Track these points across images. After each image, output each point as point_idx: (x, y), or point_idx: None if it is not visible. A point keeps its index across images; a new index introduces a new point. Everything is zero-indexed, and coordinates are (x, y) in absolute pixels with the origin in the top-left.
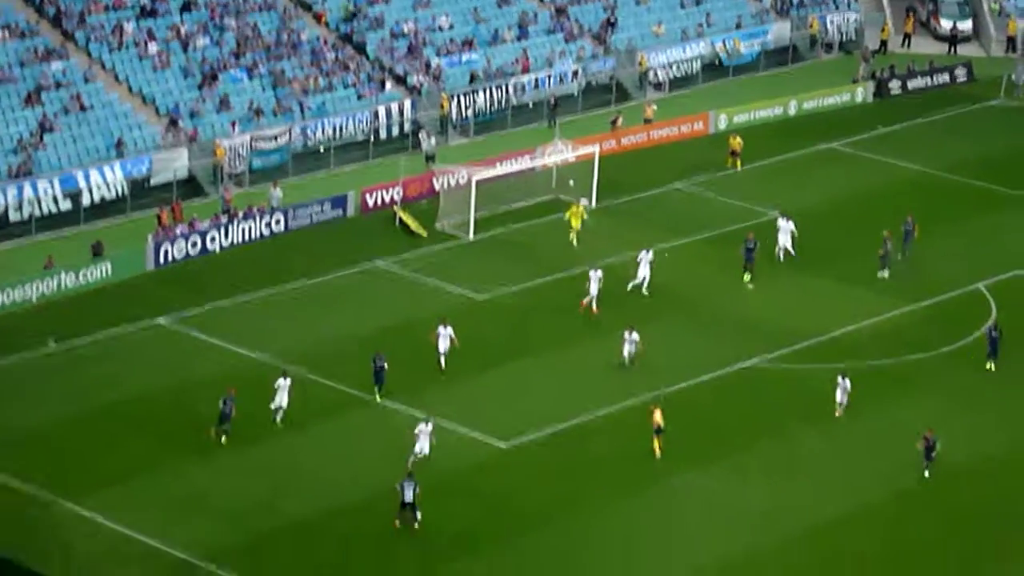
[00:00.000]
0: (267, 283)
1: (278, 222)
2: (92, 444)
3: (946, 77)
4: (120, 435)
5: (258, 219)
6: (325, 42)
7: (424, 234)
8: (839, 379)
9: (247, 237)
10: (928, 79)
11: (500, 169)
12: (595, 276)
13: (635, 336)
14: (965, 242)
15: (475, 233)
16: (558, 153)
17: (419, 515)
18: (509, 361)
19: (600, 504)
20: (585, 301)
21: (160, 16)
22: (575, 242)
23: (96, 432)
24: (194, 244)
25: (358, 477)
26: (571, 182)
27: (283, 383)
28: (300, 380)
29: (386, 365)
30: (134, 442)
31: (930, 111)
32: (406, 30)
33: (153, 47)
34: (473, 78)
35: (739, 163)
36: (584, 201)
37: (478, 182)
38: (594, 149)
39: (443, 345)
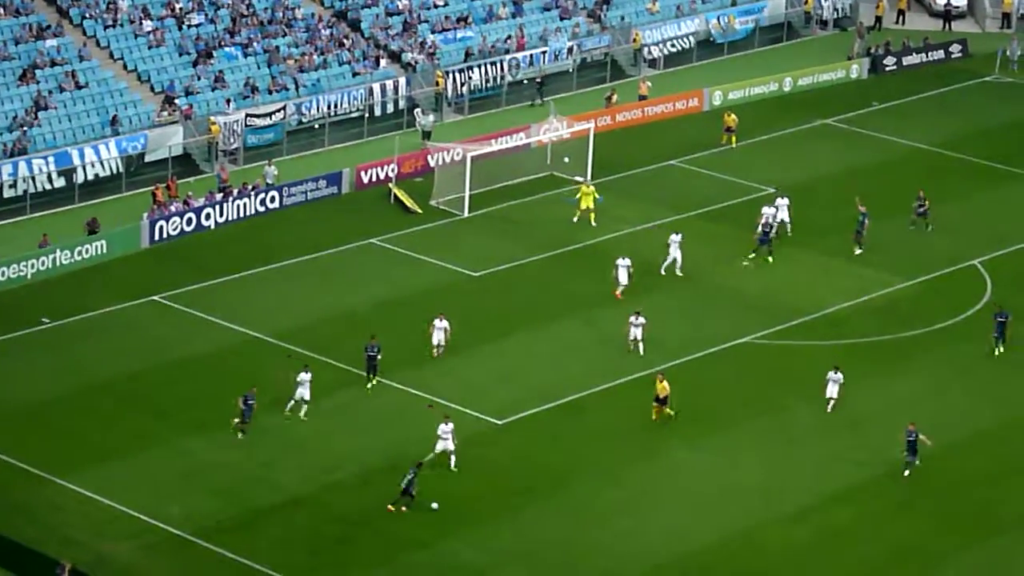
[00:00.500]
0: (262, 260)
1: (273, 199)
2: (86, 420)
3: (941, 53)
4: (114, 412)
5: (253, 196)
6: (320, 19)
7: (419, 211)
8: (831, 373)
9: (242, 214)
10: (923, 55)
11: (495, 146)
12: (623, 264)
13: (641, 320)
14: (960, 218)
15: (470, 210)
16: (553, 130)
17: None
18: (504, 338)
19: (595, 480)
20: (619, 293)
21: None
22: (581, 219)
23: (90, 409)
24: (189, 221)
25: (354, 453)
26: (566, 159)
27: (304, 377)
28: (297, 357)
29: (379, 355)
30: (128, 419)
31: (925, 87)
32: (401, 7)
33: (148, 24)
34: (468, 55)
35: (734, 139)
36: (579, 177)
37: (473, 159)
38: (589, 126)
39: (437, 337)
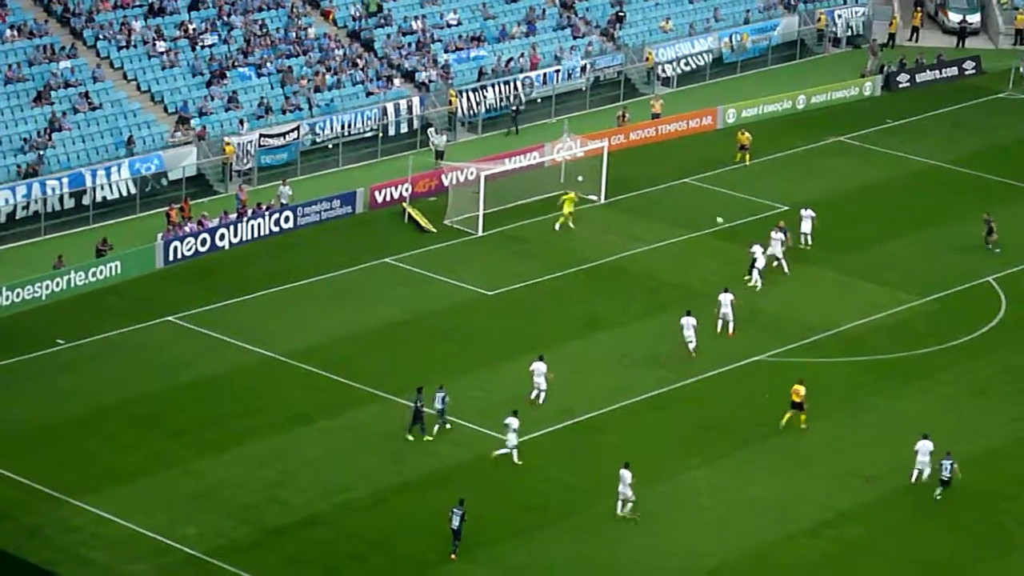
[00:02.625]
0: (276, 280)
1: (287, 219)
2: (101, 442)
3: (954, 70)
4: (129, 432)
5: (267, 216)
6: (333, 39)
7: (433, 230)
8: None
9: (256, 234)
10: (936, 72)
11: (509, 165)
12: (726, 300)
13: (692, 320)
14: (974, 235)
15: (484, 229)
16: (567, 149)
17: (457, 544)
18: (518, 356)
19: (611, 499)
20: (720, 328)
21: (168, 14)
22: (564, 227)
23: (105, 430)
24: (203, 242)
25: (367, 472)
26: (579, 178)
27: (512, 422)
28: (309, 375)
29: (423, 406)
30: (143, 439)
31: (939, 104)
32: (414, 27)
33: (161, 45)
34: (481, 74)
35: (748, 157)
36: (580, 178)
37: (487, 178)
38: (603, 144)
39: (537, 383)
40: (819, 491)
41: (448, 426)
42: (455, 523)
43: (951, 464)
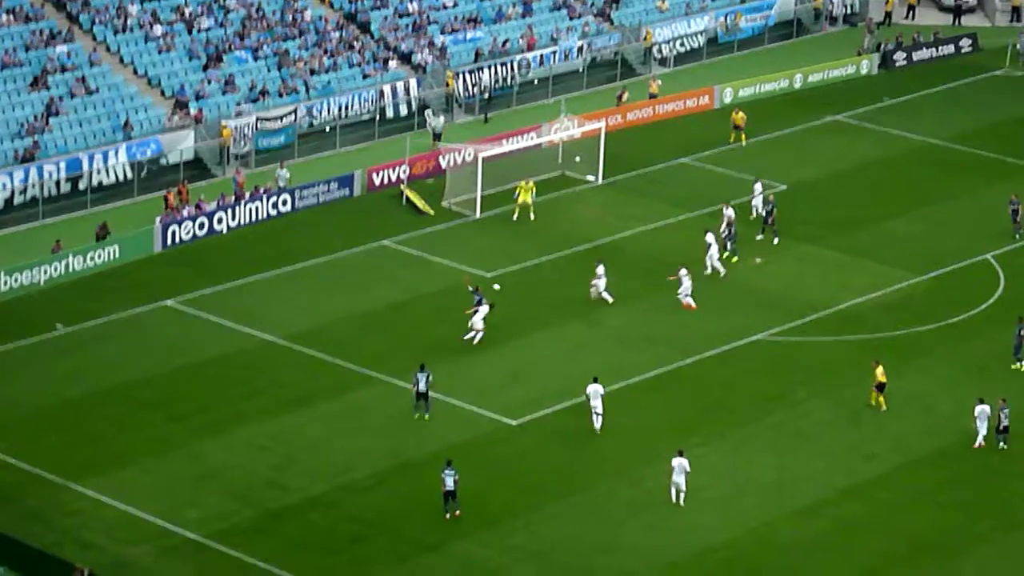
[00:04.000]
0: (275, 263)
1: (285, 202)
2: (101, 425)
3: (951, 48)
4: (129, 416)
5: (265, 200)
6: (329, 21)
7: (431, 212)
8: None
9: (254, 218)
10: (933, 50)
11: (506, 146)
12: (683, 274)
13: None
14: (972, 212)
15: (482, 211)
16: (564, 130)
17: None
18: (517, 337)
19: (609, 479)
20: (685, 302)
21: None
22: (523, 217)
23: (105, 413)
24: (201, 225)
25: (367, 453)
26: (577, 158)
27: (592, 389)
28: (308, 358)
29: (424, 387)
30: (143, 423)
31: (935, 82)
32: (410, 8)
33: (158, 29)
34: (478, 55)
35: (743, 137)
36: (578, 158)
37: (484, 160)
38: (600, 125)
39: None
40: (818, 469)
41: (427, 415)
42: (449, 484)
43: (1008, 411)
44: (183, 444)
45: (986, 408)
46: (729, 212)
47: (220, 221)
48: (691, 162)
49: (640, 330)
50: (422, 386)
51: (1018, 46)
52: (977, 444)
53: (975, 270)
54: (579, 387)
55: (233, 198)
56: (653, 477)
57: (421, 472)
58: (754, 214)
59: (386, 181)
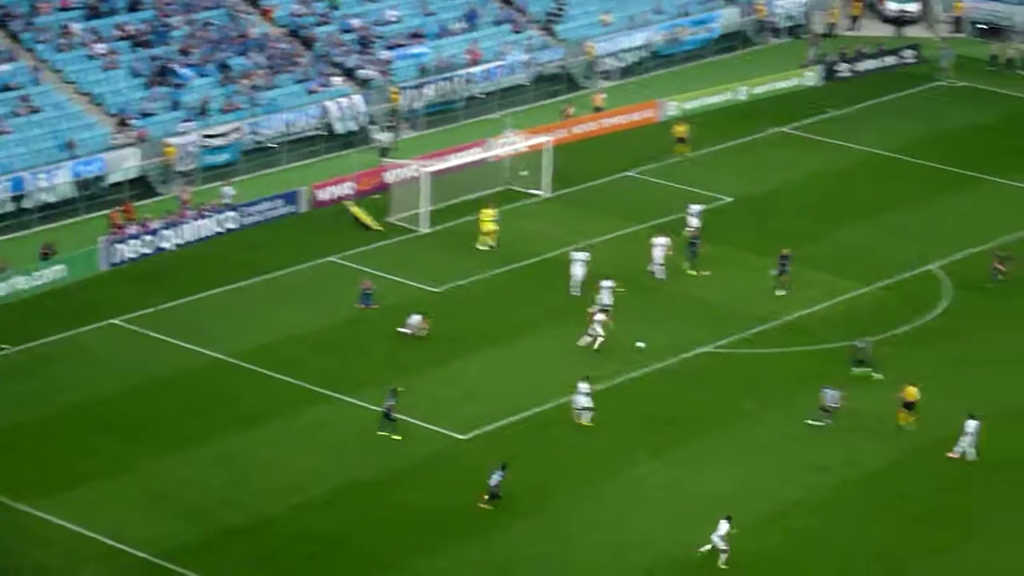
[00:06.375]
0: (221, 281)
1: (230, 220)
2: (52, 447)
3: (894, 59)
4: (80, 437)
5: (210, 217)
6: (273, 38)
7: (378, 228)
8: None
9: (200, 235)
10: (876, 61)
11: (452, 161)
12: (606, 285)
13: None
14: (917, 222)
15: (429, 226)
16: (509, 144)
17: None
18: (467, 352)
19: (565, 493)
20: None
21: (107, 16)
22: (486, 243)
23: (55, 434)
24: (147, 244)
25: (321, 472)
26: (523, 172)
27: (583, 387)
28: (259, 376)
29: (392, 405)
30: (94, 443)
31: (879, 93)
32: (354, 24)
33: (101, 47)
34: (423, 71)
35: (687, 149)
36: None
37: (430, 174)
38: (545, 139)
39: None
40: (770, 482)
41: (395, 435)
42: (494, 481)
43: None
44: (135, 464)
45: (973, 423)
46: (694, 222)
47: (166, 240)
48: (636, 175)
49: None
50: (388, 406)
51: (941, 61)
52: (955, 454)
53: (921, 280)
54: (529, 402)
55: (179, 216)
56: (607, 491)
57: (375, 489)
58: (687, 231)
59: (332, 197)
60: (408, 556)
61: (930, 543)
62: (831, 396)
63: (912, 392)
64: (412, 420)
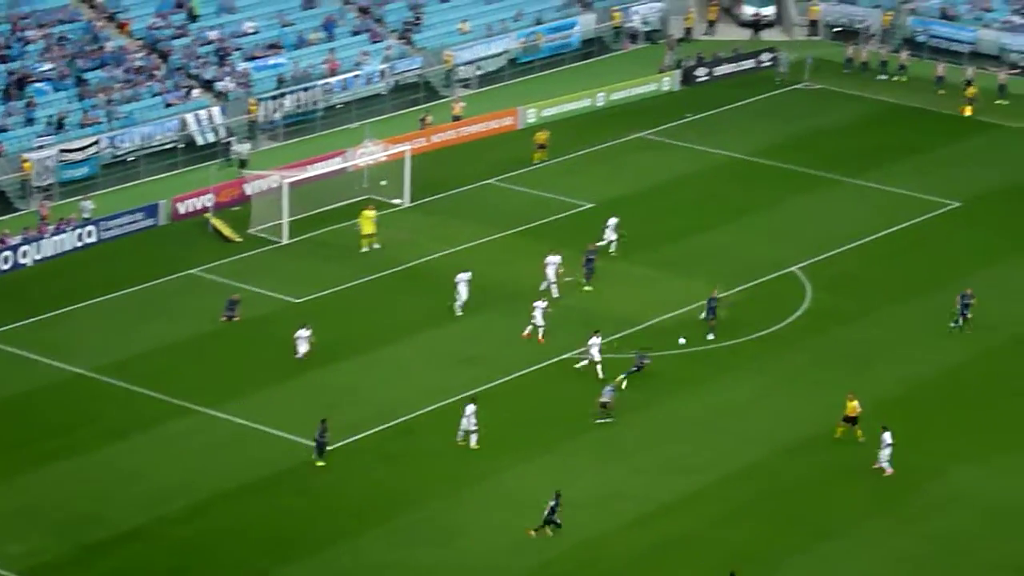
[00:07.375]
0: (82, 295)
1: (90, 234)
2: None
3: (751, 63)
4: None
5: (70, 232)
6: (130, 51)
7: (238, 240)
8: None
9: (59, 250)
10: (734, 65)
11: (311, 171)
12: (540, 307)
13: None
14: (777, 225)
15: (289, 236)
16: (369, 154)
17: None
18: (329, 363)
19: (431, 500)
20: (527, 333)
21: None
22: (371, 245)
23: None
24: (6, 260)
25: (183, 485)
26: (383, 182)
27: (469, 409)
28: (121, 391)
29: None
30: None
31: (737, 97)
32: (211, 36)
33: None
34: (281, 82)
35: (545, 156)
36: (384, 182)
37: (290, 185)
38: (405, 148)
39: (302, 349)
40: (639, 484)
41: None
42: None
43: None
44: None
45: (887, 436)
46: (610, 235)
47: (24, 255)
48: (497, 183)
49: (455, 350)
50: (320, 436)
51: (779, 67)
52: (879, 466)
53: (782, 282)
54: (398, 409)
55: (38, 231)
56: (473, 497)
57: (239, 500)
58: (604, 241)
59: (192, 210)
60: (275, 565)
61: (792, 543)
62: (607, 392)
63: (853, 407)
64: (277, 432)
